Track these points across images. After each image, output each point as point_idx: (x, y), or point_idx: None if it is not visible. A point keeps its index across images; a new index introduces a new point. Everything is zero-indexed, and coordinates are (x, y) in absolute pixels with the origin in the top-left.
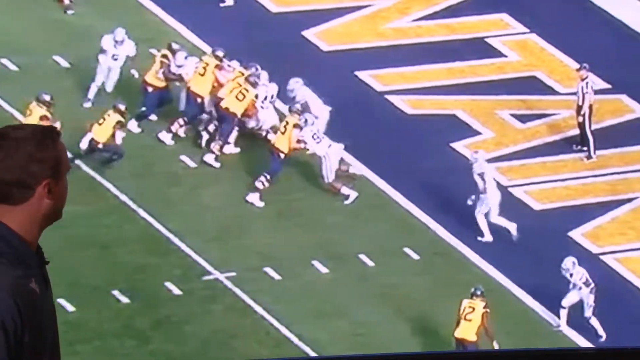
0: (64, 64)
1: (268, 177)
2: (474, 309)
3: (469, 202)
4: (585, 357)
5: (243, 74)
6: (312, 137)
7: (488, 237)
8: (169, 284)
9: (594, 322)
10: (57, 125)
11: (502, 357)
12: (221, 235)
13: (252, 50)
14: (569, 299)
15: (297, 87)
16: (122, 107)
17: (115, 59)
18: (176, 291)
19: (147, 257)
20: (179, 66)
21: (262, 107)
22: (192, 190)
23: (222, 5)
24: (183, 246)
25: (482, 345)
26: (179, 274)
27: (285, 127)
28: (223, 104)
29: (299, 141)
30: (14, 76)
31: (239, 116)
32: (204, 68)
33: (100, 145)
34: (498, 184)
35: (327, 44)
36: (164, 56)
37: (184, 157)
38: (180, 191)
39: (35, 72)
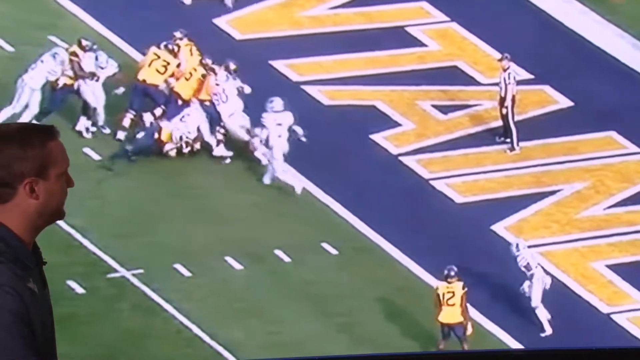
0: None
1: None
2: (454, 293)
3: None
4: (586, 356)
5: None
6: (216, 92)
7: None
8: (71, 282)
9: (540, 313)
10: None
11: (502, 357)
12: (128, 231)
13: (163, 40)
14: (536, 296)
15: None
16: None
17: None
18: (79, 290)
19: (47, 253)
20: (102, 68)
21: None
22: (97, 184)
23: None
24: (86, 242)
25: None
26: (82, 272)
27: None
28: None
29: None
30: None
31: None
32: (164, 67)
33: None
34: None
35: (240, 32)
36: (73, 53)
37: (87, 150)
38: (84, 185)
39: None
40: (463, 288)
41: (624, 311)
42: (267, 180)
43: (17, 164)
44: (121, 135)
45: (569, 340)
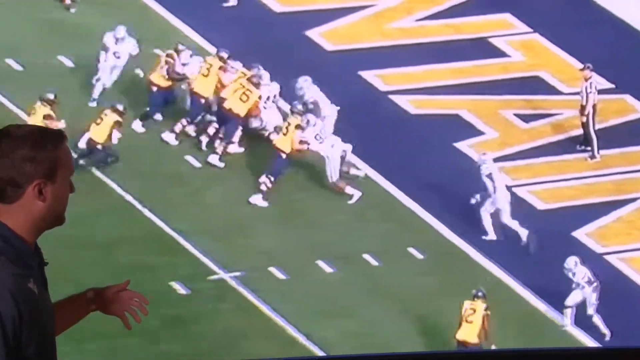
0: (68, 63)
1: (272, 178)
2: (475, 310)
3: (473, 201)
4: (586, 356)
5: (245, 75)
6: (315, 137)
7: (492, 235)
8: (174, 284)
9: (596, 320)
10: (61, 124)
11: (502, 357)
12: (226, 235)
13: (256, 50)
14: (573, 298)
15: (306, 85)
16: (120, 107)
17: (118, 57)
18: (183, 291)
19: (151, 257)
20: (184, 64)
21: (264, 108)
22: (197, 191)
23: (225, 5)
24: (188, 246)
25: (484, 347)
26: (185, 274)
27: (287, 128)
28: (227, 105)
29: (301, 142)
30: (19, 76)
31: (242, 116)
32: (208, 69)
33: (98, 146)
34: (507, 185)
35: (331, 43)
36: (169, 56)
37: (188, 157)
38: (185, 191)
39: (40, 72)
40: (486, 309)
41: None
42: (490, 229)
43: (29, 165)
44: (169, 137)
45: None
